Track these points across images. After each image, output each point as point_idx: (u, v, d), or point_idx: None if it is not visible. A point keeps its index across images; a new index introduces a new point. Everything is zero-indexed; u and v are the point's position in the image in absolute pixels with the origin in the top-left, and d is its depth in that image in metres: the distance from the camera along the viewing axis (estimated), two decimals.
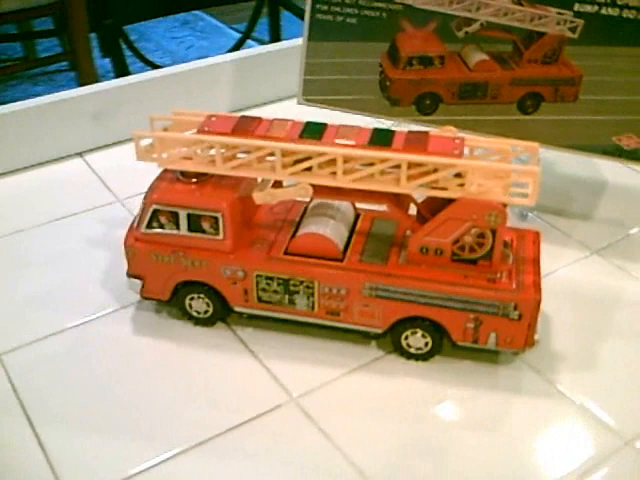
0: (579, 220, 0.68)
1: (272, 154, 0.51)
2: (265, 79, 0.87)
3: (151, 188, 0.54)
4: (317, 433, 0.49)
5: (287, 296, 0.54)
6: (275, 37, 1.68)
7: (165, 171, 0.55)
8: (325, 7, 0.66)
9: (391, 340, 0.54)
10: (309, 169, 0.51)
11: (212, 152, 0.52)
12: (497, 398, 0.52)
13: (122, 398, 0.52)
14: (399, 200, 0.53)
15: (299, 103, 0.69)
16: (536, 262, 0.53)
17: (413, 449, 0.49)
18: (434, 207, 0.52)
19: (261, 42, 1.89)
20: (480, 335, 0.52)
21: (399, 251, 0.53)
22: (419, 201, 0.54)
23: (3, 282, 0.62)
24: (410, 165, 0.49)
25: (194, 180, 0.54)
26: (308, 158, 0.51)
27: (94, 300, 0.60)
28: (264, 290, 0.54)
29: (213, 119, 0.53)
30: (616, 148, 0.61)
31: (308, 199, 0.55)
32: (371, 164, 0.50)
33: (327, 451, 0.48)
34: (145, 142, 0.54)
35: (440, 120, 0.65)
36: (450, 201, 0.50)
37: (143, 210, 0.54)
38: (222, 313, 0.56)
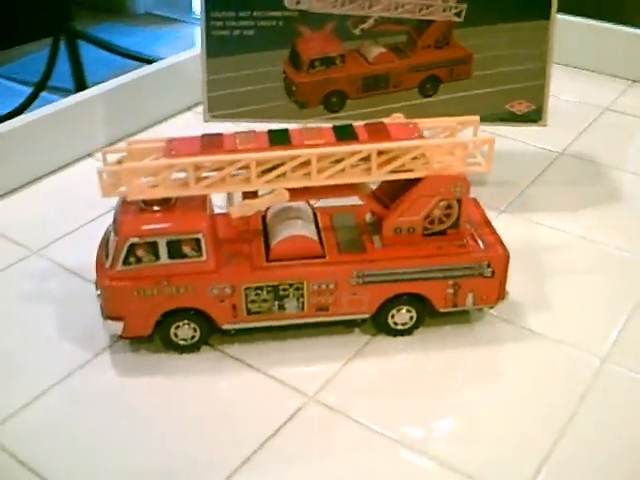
0: (478, 186, 0.75)
1: (245, 166, 0.52)
2: (142, 103, 0.86)
3: (119, 223, 0.52)
4: (347, 421, 0.51)
5: (277, 302, 0.55)
6: (80, 78, 1.58)
7: (123, 204, 0.54)
8: (220, 23, 0.67)
9: (376, 323, 0.57)
10: (283, 174, 0.52)
11: (180, 175, 0.52)
12: (486, 351, 0.57)
13: (138, 443, 0.50)
14: (364, 190, 0.56)
15: (206, 121, 0.70)
16: (488, 223, 0.58)
17: (438, 411, 0.52)
18: (390, 191, 0.56)
19: (62, 91, 1.80)
20: (459, 298, 0.57)
21: (370, 237, 0.57)
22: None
23: None
24: (378, 154, 0.53)
25: (158, 207, 0.53)
26: (280, 164, 0.52)
27: (63, 355, 0.56)
28: (253, 301, 0.54)
29: (175, 142, 0.53)
30: (511, 114, 0.68)
31: (284, 204, 0.56)
32: (339, 160, 0.53)
33: (363, 435, 0.50)
34: (109, 176, 0.52)
35: (349, 115, 0.69)
36: (408, 181, 0.54)
37: (116, 247, 0.52)
38: (208, 335, 0.56)
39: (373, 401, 0.53)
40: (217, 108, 0.69)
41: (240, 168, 0.52)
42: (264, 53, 0.68)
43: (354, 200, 0.57)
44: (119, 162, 0.54)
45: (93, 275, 0.63)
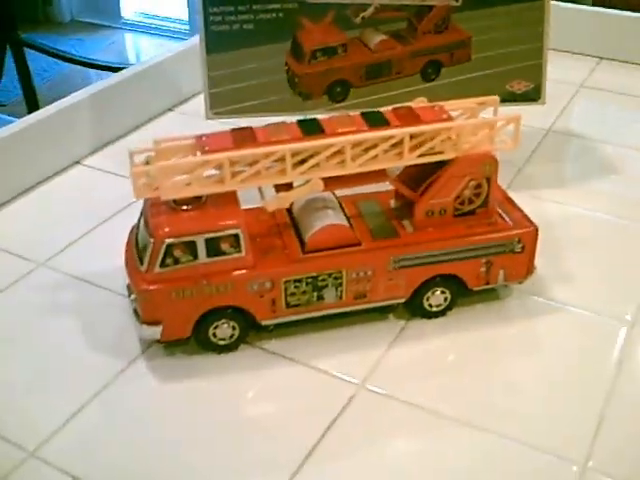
0: None
1: (280, 158, 0.51)
2: (124, 106, 0.84)
3: (153, 225, 0.51)
4: (402, 405, 0.51)
5: (316, 293, 0.54)
6: (28, 87, 1.52)
7: (152, 206, 0.53)
8: (219, 18, 0.66)
9: (411, 306, 0.57)
10: (317, 164, 0.52)
11: (211, 172, 0.51)
12: (521, 326, 0.58)
13: (193, 448, 0.49)
14: (392, 175, 0.56)
15: (208, 118, 0.69)
16: (510, 200, 0.59)
17: (487, 387, 0.53)
18: (414, 174, 0.57)
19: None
20: (491, 276, 0.57)
21: (400, 222, 0.57)
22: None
23: None
24: (410, 138, 0.53)
25: (189, 206, 0.52)
26: (313, 154, 0.52)
27: (96, 366, 0.55)
28: (292, 294, 0.54)
29: (205, 139, 0.52)
30: (510, 94, 0.69)
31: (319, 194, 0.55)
32: (370, 147, 0.53)
33: (420, 416, 0.50)
34: (140, 177, 0.51)
35: (354, 104, 0.69)
36: (433, 164, 0.55)
37: (152, 250, 0.51)
38: (247, 333, 0.55)
39: (423, 383, 0.53)
40: (219, 105, 0.68)
41: (275, 160, 0.51)
42: (265, 46, 0.67)
43: (369, 188, 0.57)
44: (147, 162, 0.52)
45: (108, 282, 0.62)
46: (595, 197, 0.72)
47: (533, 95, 0.70)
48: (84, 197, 0.75)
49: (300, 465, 0.47)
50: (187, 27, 2.85)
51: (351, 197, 0.59)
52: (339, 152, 0.52)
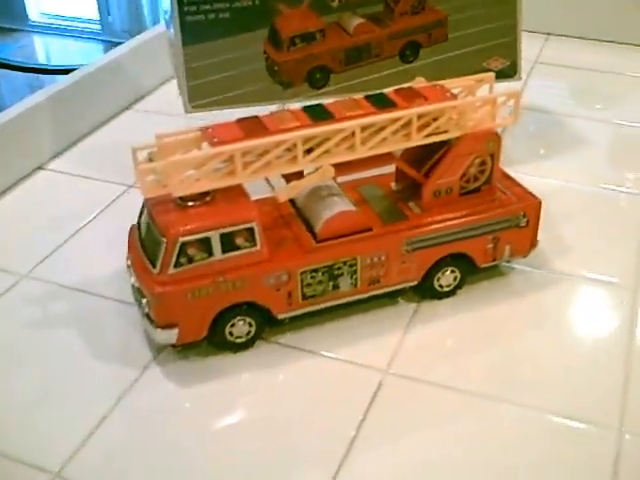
0: None
1: (290, 147, 0.50)
2: (81, 107, 0.80)
3: (163, 225, 0.49)
4: (431, 387, 0.51)
5: (331, 283, 0.53)
6: None
7: (156, 205, 0.50)
8: (194, 8, 0.63)
9: (423, 288, 0.57)
10: (327, 151, 0.51)
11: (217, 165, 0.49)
12: (530, 299, 0.58)
13: (225, 449, 0.47)
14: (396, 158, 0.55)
15: (187, 112, 0.66)
16: (508, 176, 0.60)
17: (510, 362, 0.53)
18: (415, 155, 0.56)
19: None
20: (498, 252, 0.57)
21: (406, 204, 0.56)
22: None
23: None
24: (418, 118, 0.52)
25: (196, 202, 0.50)
26: (323, 141, 0.51)
27: (109, 377, 0.52)
28: (309, 285, 0.53)
29: (210, 130, 0.50)
30: (487, 72, 0.70)
31: (331, 179, 0.54)
32: (378, 129, 0.52)
33: (450, 396, 0.50)
34: (147, 174, 0.48)
35: (335, 90, 0.68)
36: (434, 144, 0.55)
37: (165, 250, 0.49)
38: (263, 329, 0.54)
39: (445, 363, 0.53)
40: (198, 97, 0.66)
41: (285, 149, 0.50)
42: (242, 35, 0.65)
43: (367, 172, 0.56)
44: (150, 159, 0.50)
45: (101, 289, 0.60)
46: (573, 169, 0.74)
47: (509, 72, 0.70)
48: (54, 202, 0.71)
49: (344, 456, 0.46)
50: (98, 27, 2.77)
51: (351, 183, 0.58)
52: (348, 137, 0.51)
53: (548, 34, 1.01)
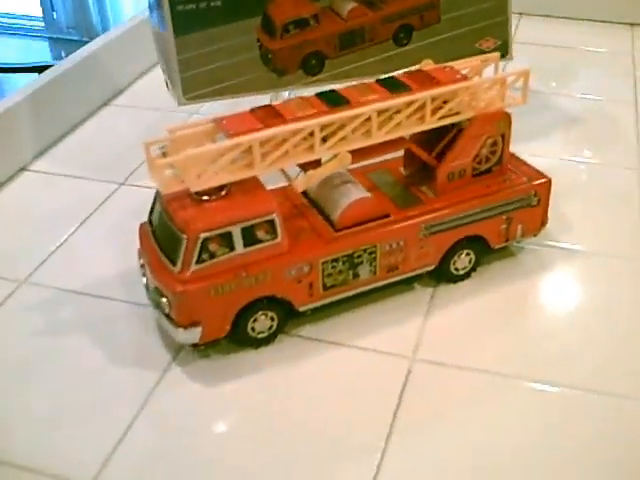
0: None
1: (307, 135, 0.49)
2: (60, 105, 0.78)
3: (182, 221, 0.47)
4: (460, 371, 0.50)
5: (351, 271, 0.52)
6: None
7: (171, 201, 0.49)
8: None
9: (439, 272, 0.56)
10: (344, 137, 0.50)
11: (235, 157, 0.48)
12: (544, 276, 0.58)
13: (267, 446, 0.46)
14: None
15: (181, 104, 0.64)
16: (515, 156, 0.59)
17: (535, 340, 0.53)
18: (423, 139, 0.56)
19: None
20: (510, 232, 0.57)
21: (418, 188, 0.56)
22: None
23: (15, 410, 0.49)
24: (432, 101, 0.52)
25: (212, 197, 0.48)
26: (340, 127, 0.50)
27: (128, 381, 0.50)
28: (329, 275, 0.52)
29: (225, 122, 0.48)
30: (480, 52, 0.69)
31: (347, 167, 0.53)
32: (394, 113, 0.51)
33: (483, 380, 0.50)
34: (165, 171, 0.47)
35: (330, 76, 0.66)
36: (442, 127, 0.54)
37: (186, 247, 0.47)
38: (285, 323, 0.52)
39: (471, 346, 0.53)
40: (192, 89, 0.64)
41: (302, 138, 0.49)
42: (235, 24, 0.63)
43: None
44: (163, 154, 0.48)
45: (105, 291, 0.58)
46: (570, 146, 0.74)
47: (501, 51, 0.70)
48: (43, 204, 0.69)
49: (385, 446, 0.46)
50: (42, 24, 2.69)
51: (360, 169, 0.57)
52: (364, 122, 0.50)
53: (520, 14, 1.02)
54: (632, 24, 1.00)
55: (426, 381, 0.50)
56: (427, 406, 0.48)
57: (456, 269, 0.57)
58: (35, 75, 1.40)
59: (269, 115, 0.49)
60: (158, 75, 0.70)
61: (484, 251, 0.57)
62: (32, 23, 2.69)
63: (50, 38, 2.61)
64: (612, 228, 0.63)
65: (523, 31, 0.98)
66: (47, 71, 0.79)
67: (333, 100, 0.50)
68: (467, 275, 0.58)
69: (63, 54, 2.61)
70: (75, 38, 2.59)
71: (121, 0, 2.51)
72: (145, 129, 0.79)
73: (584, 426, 0.47)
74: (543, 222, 0.59)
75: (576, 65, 0.93)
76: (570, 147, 0.75)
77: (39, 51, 2.62)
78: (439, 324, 0.54)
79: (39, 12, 2.67)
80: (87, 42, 2.57)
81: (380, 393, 0.49)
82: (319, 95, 0.51)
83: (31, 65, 1.42)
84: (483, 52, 0.70)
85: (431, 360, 0.51)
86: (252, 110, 0.49)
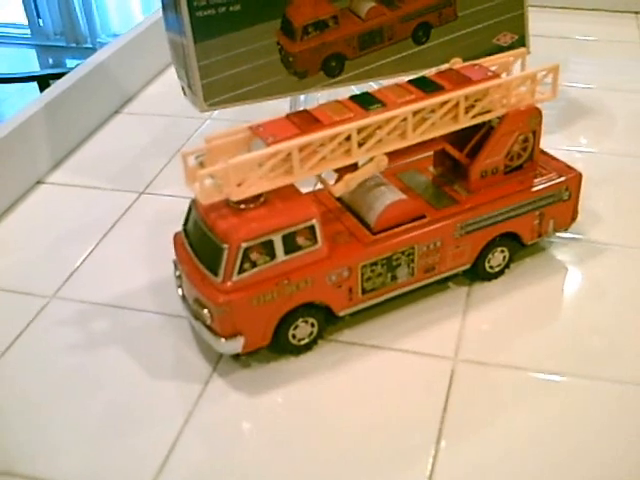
0: None
1: (344, 139, 0.48)
2: (71, 115, 0.77)
3: (223, 231, 0.46)
4: (506, 370, 0.50)
5: (389, 274, 0.52)
6: None
7: (208, 211, 0.48)
8: (204, 2, 0.61)
9: (474, 271, 0.56)
10: (380, 140, 0.49)
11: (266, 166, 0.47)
12: (578, 270, 0.58)
13: (318, 454, 0.46)
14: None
15: (202, 111, 0.64)
16: (543, 151, 0.59)
17: (578, 336, 0.53)
18: (453, 138, 0.55)
19: None
20: (543, 227, 0.57)
21: (452, 187, 0.55)
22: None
23: (60, 427, 0.48)
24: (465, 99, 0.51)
25: (249, 205, 0.48)
26: (375, 130, 0.49)
27: (171, 394, 0.50)
28: (369, 279, 0.51)
29: (262, 129, 0.48)
30: (498, 47, 0.69)
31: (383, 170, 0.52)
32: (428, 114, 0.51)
33: (529, 378, 0.50)
34: (206, 181, 0.46)
35: (351, 77, 0.66)
36: (472, 125, 0.54)
37: (227, 257, 0.46)
38: (324, 328, 0.52)
39: (512, 344, 0.52)
40: (213, 95, 0.63)
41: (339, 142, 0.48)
42: (254, 27, 0.63)
43: None
44: (201, 163, 0.48)
45: (136, 302, 0.57)
46: (590, 138, 0.74)
47: (518, 46, 0.69)
48: (63, 217, 0.68)
49: (435, 451, 0.45)
50: (28, 31, 2.67)
51: (390, 171, 0.56)
52: (399, 124, 0.50)
53: None
54: (637, 12, 1.00)
55: (470, 382, 0.50)
56: (474, 408, 0.48)
57: (491, 267, 0.57)
58: (33, 84, 1.40)
59: (306, 120, 0.48)
60: (168, 80, 0.70)
61: (517, 248, 0.57)
62: (18, 31, 2.67)
63: (37, 45, 2.60)
64: (637, 218, 0.63)
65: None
66: (57, 82, 0.78)
67: (369, 102, 0.49)
68: (501, 272, 0.57)
69: (50, 61, 2.60)
70: (62, 45, 2.59)
71: (108, 5, 2.49)
72: (158, 136, 0.79)
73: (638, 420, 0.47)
74: (574, 216, 0.58)
75: (582, 55, 0.93)
76: (584, 138, 0.75)
77: (26, 59, 2.60)
78: (478, 323, 0.54)
79: (25, 20, 2.65)
80: (74, 48, 2.55)
81: (426, 396, 0.49)
82: (353, 98, 0.50)
83: (26, 75, 1.41)
84: (501, 47, 0.70)
85: (473, 360, 0.51)
86: (288, 116, 0.49)
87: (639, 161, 0.71)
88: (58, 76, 0.84)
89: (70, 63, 2.46)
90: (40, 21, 2.54)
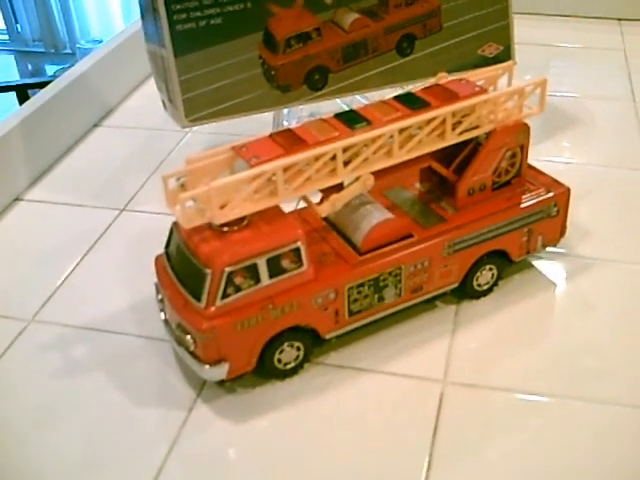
0: None
1: (329, 159, 0.47)
2: (50, 130, 0.75)
3: (206, 256, 0.45)
4: (496, 393, 0.49)
5: (377, 295, 0.51)
6: None
7: (190, 235, 0.47)
8: (183, 15, 0.59)
9: (462, 289, 0.55)
10: (366, 159, 0.48)
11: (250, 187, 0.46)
12: (567, 287, 0.57)
13: None
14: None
15: (184, 127, 0.62)
16: (531, 166, 0.58)
17: (569, 355, 0.52)
18: (440, 155, 0.54)
19: None
20: (531, 244, 0.56)
21: (438, 205, 0.54)
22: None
23: (40, 457, 0.46)
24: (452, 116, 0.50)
25: (232, 227, 0.47)
26: (361, 149, 0.48)
27: (154, 421, 0.48)
28: (355, 301, 0.50)
29: (245, 150, 0.47)
30: (483, 59, 0.68)
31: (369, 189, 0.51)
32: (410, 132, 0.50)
33: (518, 400, 0.49)
34: (189, 203, 0.45)
35: (335, 90, 0.65)
36: (461, 144, 0.53)
37: (211, 282, 0.45)
38: (311, 352, 0.51)
39: (502, 364, 0.51)
40: (194, 110, 0.62)
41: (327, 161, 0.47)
42: (236, 41, 0.61)
43: None
44: (182, 185, 0.47)
45: (117, 326, 0.56)
46: (573, 149, 0.74)
47: (504, 57, 0.69)
48: (42, 236, 0.66)
49: (426, 475, 0.44)
50: (6, 37, 2.63)
51: (375, 187, 0.55)
52: (386, 142, 0.49)
53: None
54: (620, 19, 1.00)
55: (460, 405, 0.49)
56: (464, 432, 0.47)
57: (479, 285, 0.56)
58: (11, 94, 1.37)
59: (290, 140, 0.47)
60: (148, 92, 0.69)
61: (506, 265, 0.56)
62: None
63: (15, 51, 2.56)
64: (626, 232, 0.63)
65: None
66: (35, 96, 0.76)
67: (354, 120, 0.48)
68: (489, 290, 0.56)
69: (29, 67, 2.56)
70: (41, 50, 2.55)
71: (87, 10, 2.47)
72: (139, 149, 0.77)
73: (629, 444, 0.46)
74: (562, 232, 0.58)
75: (565, 63, 0.92)
76: (569, 149, 0.74)
77: (5, 65, 2.57)
78: (466, 343, 0.53)
79: (3, 25, 2.62)
80: (53, 54, 2.49)
81: (415, 420, 0.48)
82: (339, 116, 0.49)
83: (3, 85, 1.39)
84: (486, 58, 0.69)
85: (463, 382, 0.50)
86: (271, 135, 0.48)
87: (624, 172, 0.71)
88: (36, 85, 0.82)
89: (49, 69, 2.43)
90: (18, 27, 2.51)
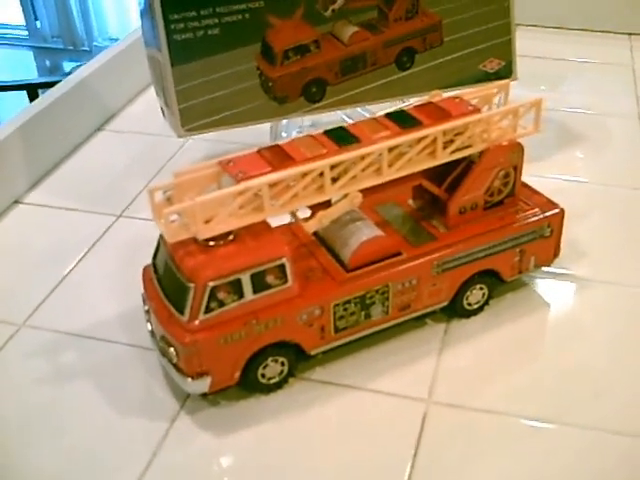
0: None
1: (317, 176, 0.47)
2: (53, 133, 0.75)
3: (189, 270, 0.45)
4: (478, 413, 0.49)
5: (363, 312, 0.51)
6: None
7: (176, 247, 0.47)
8: (181, 25, 0.60)
9: (452, 308, 0.55)
10: (354, 176, 0.48)
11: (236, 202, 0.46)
12: (558, 307, 0.57)
13: None
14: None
15: (180, 136, 0.63)
16: (525, 185, 0.58)
17: (557, 376, 0.51)
18: (432, 172, 0.54)
19: None
20: (523, 264, 0.56)
21: (429, 223, 0.54)
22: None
23: (19, 468, 0.47)
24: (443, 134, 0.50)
25: (218, 242, 0.47)
26: (351, 166, 0.48)
27: (135, 432, 0.48)
28: (341, 317, 0.50)
29: (232, 165, 0.47)
30: (484, 74, 0.68)
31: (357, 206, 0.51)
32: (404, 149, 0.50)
33: (503, 422, 0.48)
34: (171, 218, 0.45)
35: (332, 102, 0.65)
36: (454, 162, 0.52)
37: (194, 296, 0.45)
38: (295, 367, 0.51)
39: (488, 385, 0.51)
40: (191, 120, 0.62)
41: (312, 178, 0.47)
42: (233, 51, 0.62)
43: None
44: (168, 199, 0.47)
45: (108, 334, 0.56)
46: (577, 165, 0.73)
47: (505, 72, 0.69)
48: (38, 240, 0.66)
49: None
50: (25, 32, 2.65)
51: (367, 202, 0.55)
52: (375, 160, 0.48)
53: None
54: (630, 34, 0.99)
55: (443, 426, 0.48)
56: (446, 453, 0.47)
57: (469, 304, 0.55)
58: (22, 93, 1.38)
59: (277, 156, 0.47)
60: (151, 97, 0.69)
61: (497, 284, 0.56)
62: (16, 32, 2.66)
63: (34, 47, 2.58)
64: (630, 258, 0.62)
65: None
66: (38, 99, 0.77)
67: (343, 139, 0.48)
68: (480, 309, 0.56)
69: (47, 63, 2.59)
70: (60, 47, 2.57)
71: (105, 9, 2.48)
72: (139, 155, 0.78)
73: (615, 474, 0.45)
74: (556, 253, 0.57)
75: (573, 77, 0.92)
76: (572, 166, 0.74)
77: (23, 61, 2.59)
78: (454, 363, 0.53)
79: (22, 21, 2.64)
80: (72, 51, 2.51)
81: (397, 440, 0.47)
82: (328, 133, 0.49)
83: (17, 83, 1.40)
84: (487, 73, 0.68)
85: (447, 403, 0.50)
86: (259, 151, 0.48)
87: (626, 191, 0.70)
88: (45, 85, 0.83)
89: (67, 66, 2.44)
90: (38, 23, 2.53)
